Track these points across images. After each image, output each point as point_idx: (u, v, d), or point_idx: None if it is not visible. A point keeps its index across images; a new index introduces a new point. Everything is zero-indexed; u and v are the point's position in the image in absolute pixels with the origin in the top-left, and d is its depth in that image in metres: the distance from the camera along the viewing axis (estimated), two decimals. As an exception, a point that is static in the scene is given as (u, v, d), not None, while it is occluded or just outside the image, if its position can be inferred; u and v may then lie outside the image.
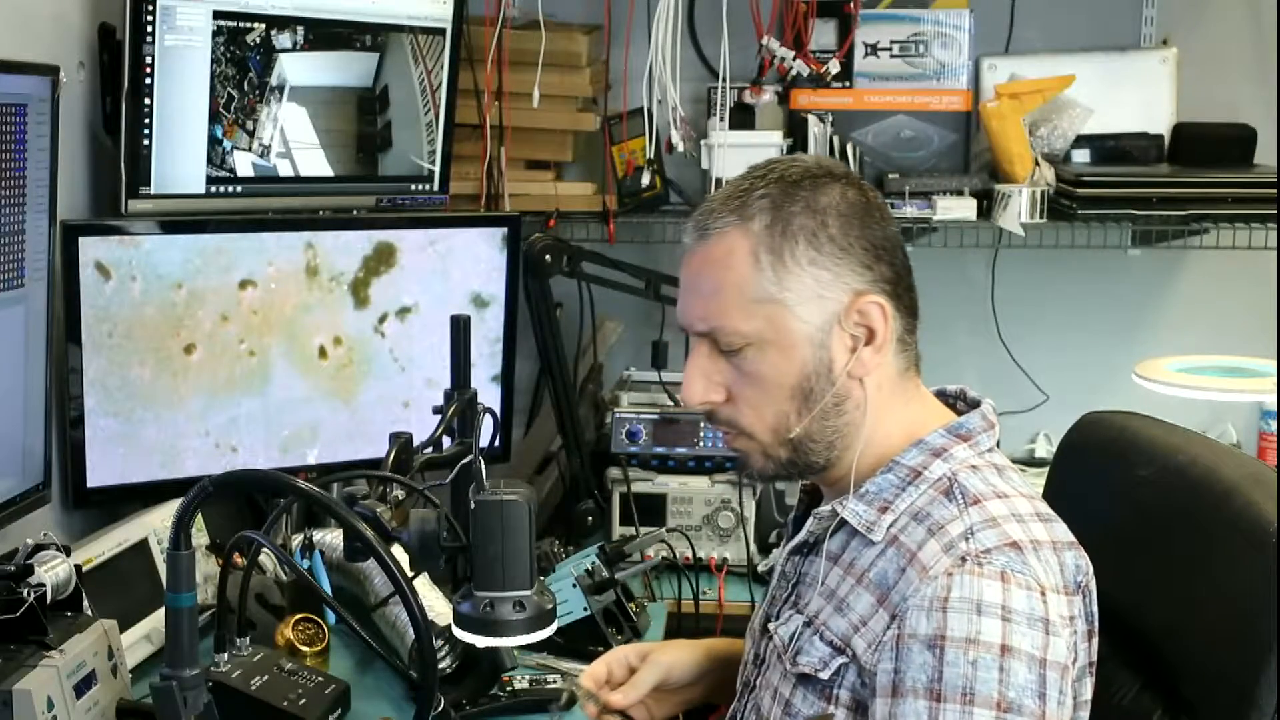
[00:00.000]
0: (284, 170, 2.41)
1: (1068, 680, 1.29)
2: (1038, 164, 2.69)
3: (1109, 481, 1.64)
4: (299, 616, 2.05)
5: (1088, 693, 1.38)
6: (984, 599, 1.26)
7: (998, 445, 1.45)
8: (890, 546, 1.35)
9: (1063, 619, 1.30)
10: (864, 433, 1.41)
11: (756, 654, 1.52)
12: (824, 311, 1.37)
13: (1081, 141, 2.81)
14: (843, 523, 1.41)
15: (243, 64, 2.30)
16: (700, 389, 1.43)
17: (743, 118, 2.75)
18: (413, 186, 2.59)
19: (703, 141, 2.76)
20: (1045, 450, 3.02)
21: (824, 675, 1.36)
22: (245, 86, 2.31)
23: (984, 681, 1.24)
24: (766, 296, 1.37)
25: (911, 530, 1.34)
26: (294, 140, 2.40)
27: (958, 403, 1.51)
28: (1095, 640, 1.38)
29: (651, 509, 2.57)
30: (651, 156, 2.76)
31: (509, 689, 2.00)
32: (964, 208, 2.68)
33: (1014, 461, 3.16)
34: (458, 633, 1.34)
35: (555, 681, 2.04)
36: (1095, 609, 1.38)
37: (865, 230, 1.39)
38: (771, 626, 1.47)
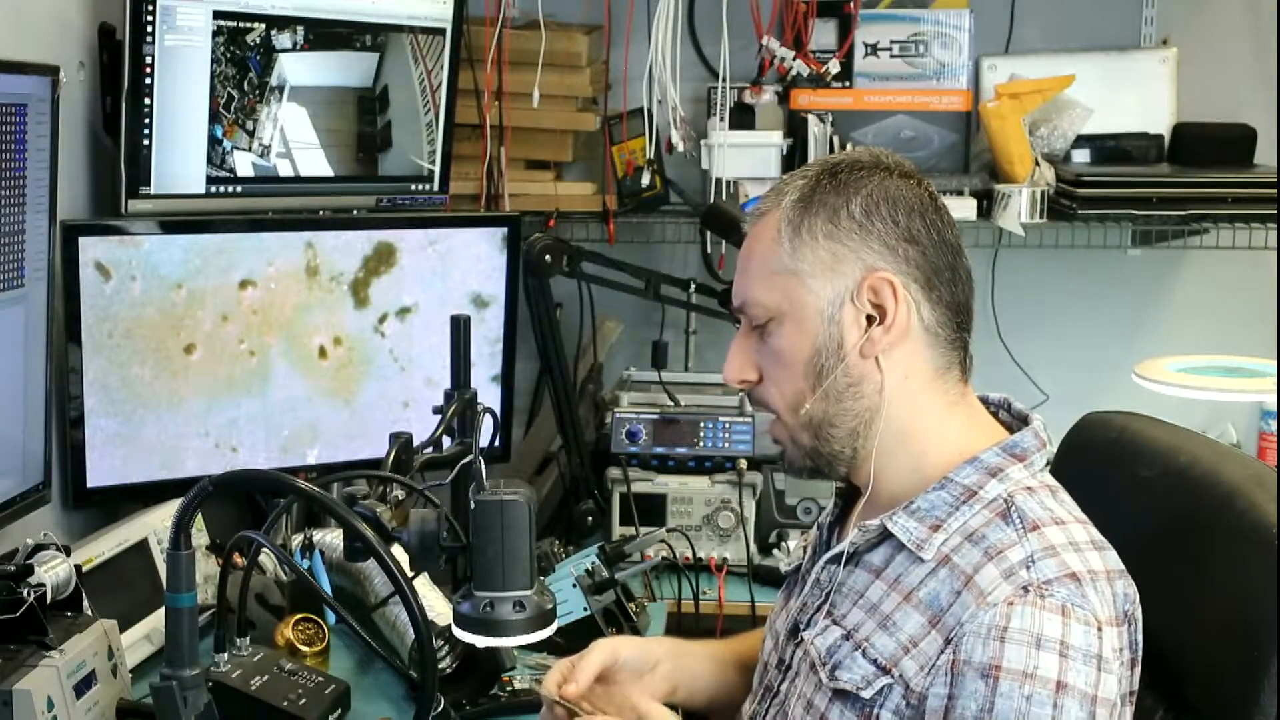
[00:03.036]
0: (284, 170, 2.41)
1: (1115, 716, 1.28)
2: (1038, 164, 2.69)
3: (1110, 482, 1.64)
4: (299, 616, 2.05)
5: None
6: (1044, 633, 1.25)
7: (1048, 465, 1.43)
8: (943, 567, 1.33)
9: (1115, 652, 1.29)
10: (889, 425, 1.39)
11: (782, 659, 1.50)
12: (836, 286, 1.37)
13: (1081, 141, 2.81)
14: (886, 535, 1.39)
15: (243, 64, 2.30)
16: (736, 367, 1.45)
17: (743, 118, 2.75)
18: (413, 186, 2.59)
19: (703, 141, 2.76)
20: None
21: (866, 694, 1.33)
22: (245, 86, 2.31)
23: (1037, 716, 1.23)
24: (783, 268, 1.39)
25: (966, 551, 1.32)
26: (294, 140, 2.40)
27: (1000, 413, 1.48)
28: (1138, 669, 1.37)
29: (651, 509, 2.57)
30: (651, 156, 2.76)
31: (509, 689, 2.00)
32: (964, 208, 2.68)
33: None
34: (458, 633, 1.34)
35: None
36: (1140, 638, 1.36)
37: (896, 215, 1.38)
38: (806, 635, 1.44)
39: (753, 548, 2.54)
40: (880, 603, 1.36)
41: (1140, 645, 1.36)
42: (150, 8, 2.14)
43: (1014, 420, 1.47)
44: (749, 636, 1.73)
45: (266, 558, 2.16)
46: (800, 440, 1.43)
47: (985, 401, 1.48)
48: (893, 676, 1.32)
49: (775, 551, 2.58)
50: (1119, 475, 1.62)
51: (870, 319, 1.37)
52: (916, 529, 1.36)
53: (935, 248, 1.39)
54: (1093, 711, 1.25)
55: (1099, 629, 1.27)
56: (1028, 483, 1.37)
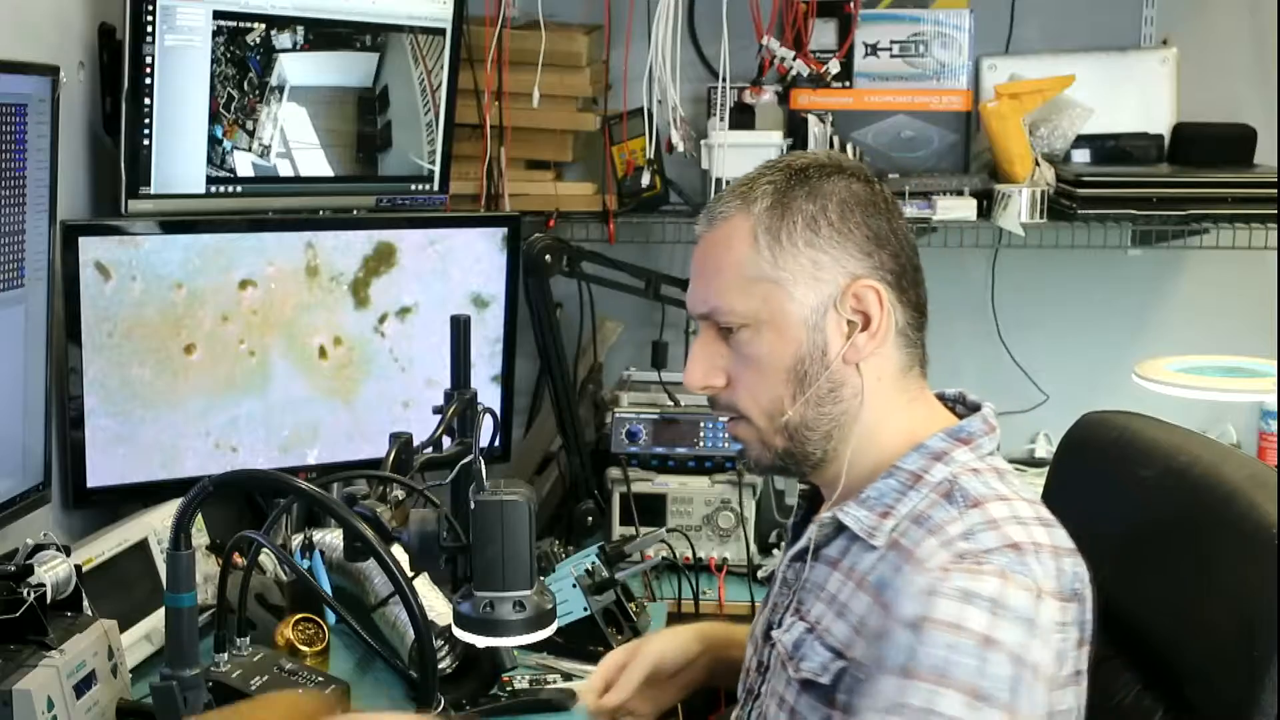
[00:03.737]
0: (284, 170, 2.41)
1: (1043, 686, 1.26)
2: (1038, 164, 2.69)
3: (1110, 482, 1.64)
4: (299, 616, 2.05)
5: (1070, 702, 1.35)
6: (977, 591, 1.24)
7: (997, 449, 1.45)
8: (891, 550, 1.35)
9: (1054, 624, 1.28)
10: (861, 426, 1.41)
11: (760, 661, 1.51)
12: (819, 294, 1.38)
13: (1081, 141, 2.81)
14: (842, 527, 1.41)
15: (243, 64, 2.30)
16: (701, 373, 1.45)
17: (743, 118, 2.74)
18: (413, 186, 2.59)
19: (703, 141, 2.76)
20: (1045, 450, 3.02)
21: (825, 680, 1.36)
22: (245, 86, 2.31)
23: (960, 667, 1.22)
24: (763, 276, 1.39)
25: (912, 533, 1.34)
26: (294, 140, 2.40)
27: (957, 406, 1.50)
28: (1087, 649, 1.36)
29: (651, 509, 2.57)
30: (651, 156, 2.76)
31: (509, 689, 2.00)
32: (964, 208, 2.68)
33: (1014, 461, 3.17)
34: (458, 633, 1.34)
35: (555, 681, 2.04)
36: (1089, 618, 1.36)
37: (868, 219, 1.40)
38: (775, 634, 1.46)
39: (753, 548, 2.55)
40: (838, 592, 1.38)
41: (1090, 625, 1.35)
42: (150, 8, 2.14)
43: (968, 412, 1.48)
44: None
45: (266, 558, 2.16)
46: (772, 443, 1.44)
47: (942, 397, 1.50)
48: (847, 659, 1.34)
49: (775, 551, 2.58)
50: (1119, 475, 1.62)
51: (852, 325, 1.39)
52: (867, 517, 1.38)
53: (900, 246, 1.42)
54: (1018, 674, 1.23)
55: (1038, 595, 1.26)
56: (973, 464, 1.39)
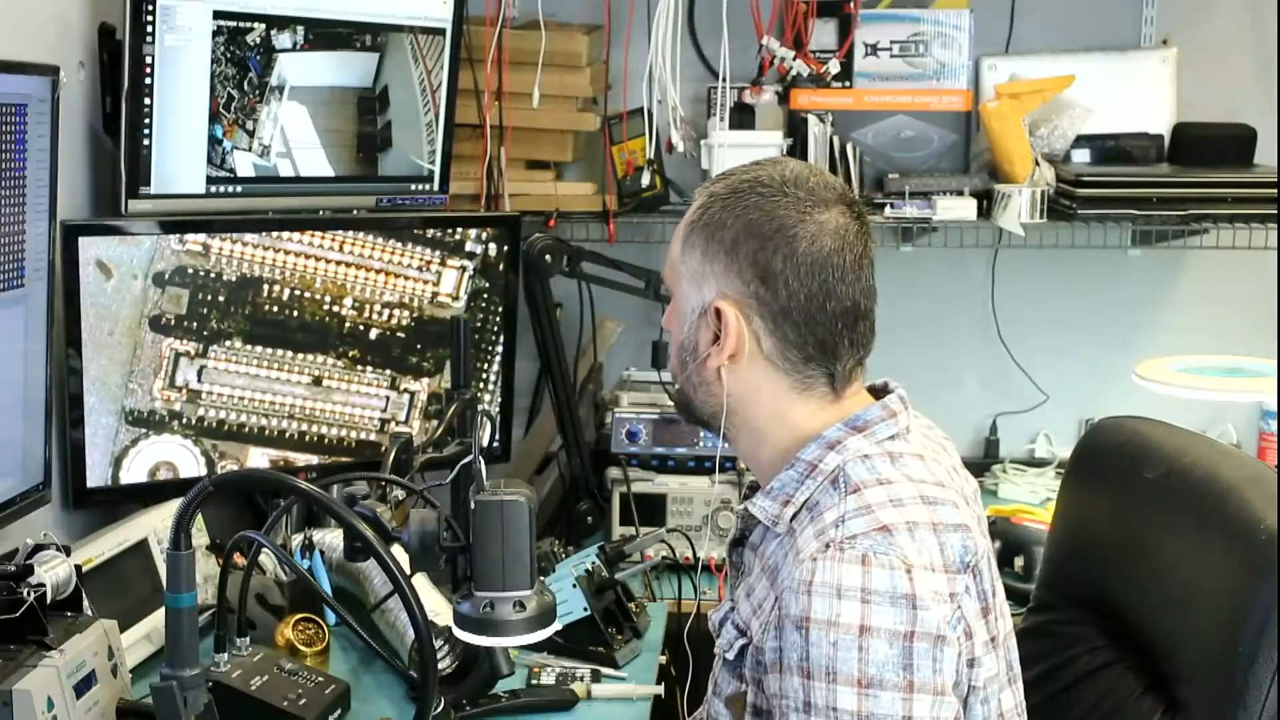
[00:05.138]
0: (284, 170, 2.41)
1: (945, 649, 1.32)
2: (1038, 164, 2.69)
3: (1119, 485, 1.65)
4: (299, 616, 2.05)
5: (992, 668, 1.40)
6: (843, 583, 1.32)
7: (906, 430, 1.48)
8: (788, 536, 1.44)
9: (936, 594, 1.33)
10: (746, 425, 1.51)
11: None
12: (698, 297, 1.49)
13: (1081, 141, 2.81)
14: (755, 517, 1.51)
15: (243, 64, 2.30)
16: (665, 317, 1.61)
17: (743, 118, 2.74)
18: (413, 186, 2.58)
19: (703, 141, 2.76)
20: (1045, 450, 3.02)
21: (730, 655, 1.47)
22: (245, 86, 2.31)
23: (844, 661, 1.30)
24: (674, 260, 1.53)
25: (802, 519, 1.43)
26: (294, 140, 2.40)
27: (883, 395, 1.54)
28: (993, 617, 1.42)
29: (651, 509, 2.57)
30: (651, 156, 2.76)
31: (509, 689, 2.00)
32: (964, 208, 2.68)
33: (1014, 461, 3.15)
34: (458, 633, 1.35)
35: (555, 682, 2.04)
36: (990, 586, 1.41)
37: (760, 252, 1.45)
38: (709, 614, 1.56)
39: (753, 548, 2.54)
40: (750, 576, 1.50)
41: (991, 594, 1.41)
42: (150, 8, 2.14)
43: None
44: None
45: (266, 558, 2.16)
46: (679, 399, 1.59)
47: (871, 389, 1.55)
48: (747, 637, 1.44)
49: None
50: (1127, 478, 1.63)
51: (719, 336, 1.48)
52: (771, 507, 1.47)
53: (800, 291, 1.45)
54: (907, 647, 1.30)
55: (908, 570, 1.32)
56: (866, 450, 1.45)
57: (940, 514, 1.39)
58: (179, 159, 2.25)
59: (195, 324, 2.28)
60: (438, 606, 2.01)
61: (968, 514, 1.42)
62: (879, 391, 1.54)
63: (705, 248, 1.48)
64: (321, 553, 2.25)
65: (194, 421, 2.31)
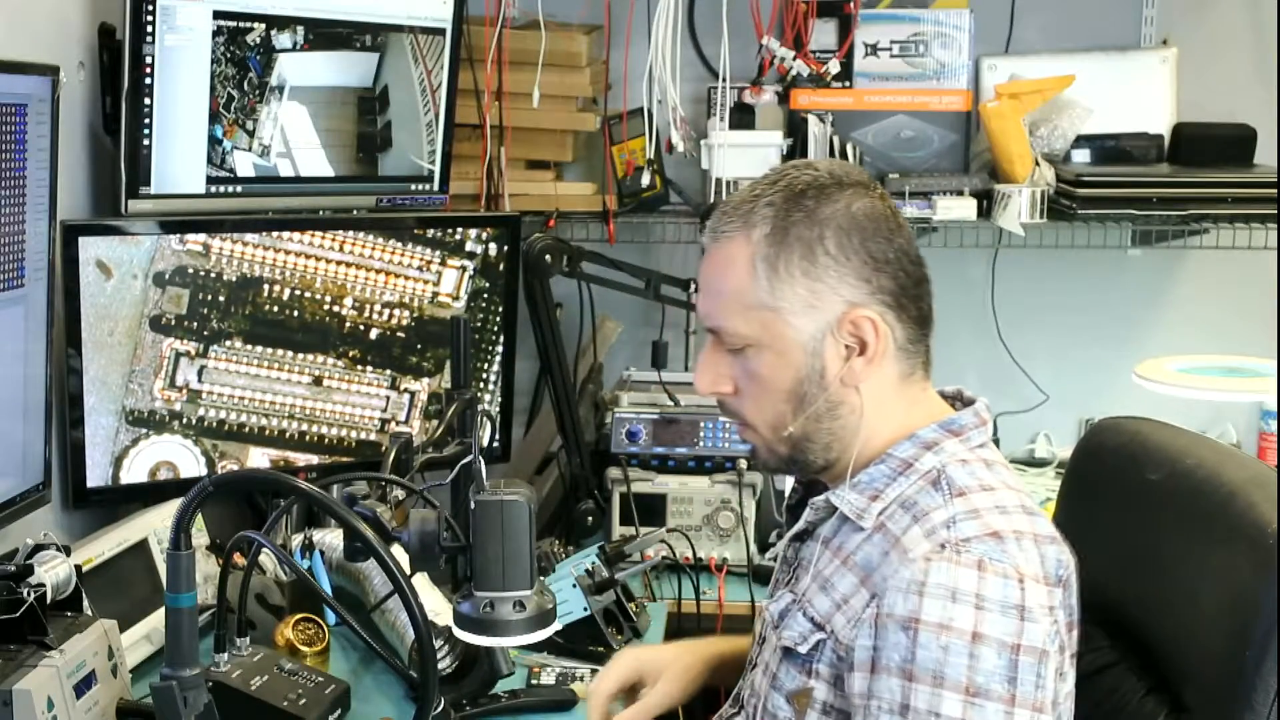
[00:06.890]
0: (284, 170, 2.41)
1: (1047, 665, 1.31)
2: (1038, 164, 2.69)
3: (1121, 487, 1.65)
4: (299, 616, 2.05)
5: (1070, 684, 1.41)
6: (959, 586, 1.30)
7: (997, 444, 1.48)
8: (877, 532, 1.40)
9: (1042, 606, 1.32)
10: (861, 435, 1.45)
11: (759, 632, 1.58)
12: (817, 321, 1.41)
13: (1081, 141, 2.81)
14: (835, 509, 1.45)
15: (243, 64, 2.30)
16: (709, 380, 1.49)
17: (743, 118, 2.74)
18: (413, 186, 2.58)
19: (703, 141, 2.76)
20: (1045, 450, 3.02)
21: (803, 649, 1.41)
22: (245, 86, 2.31)
23: (954, 666, 1.28)
24: (761, 304, 1.42)
25: (898, 517, 1.39)
26: (294, 140, 2.40)
27: (955, 403, 1.53)
28: (1076, 632, 1.42)
29: (651, 509, 2.57)
30: (651, 156, 2.76)
31: (509, 689, 2.00)
32: (964, 208, 2.68)
33: (1014, 461, 3.16)
34: (458, 633, 1.34)
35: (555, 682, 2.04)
36: (1075, 602, 1.41)
37: (866, 242, 1.41)
38: (766, 604, 1.53)
39: (753, 548, 2.54)
40: (825, 569, 1.44)
41: (1076, 610, 1.41)
42: (150, 8, 2.14)
43: (965, 408, 1.51)
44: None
45: (266, 558, 2.16)
46: (778, 450, 1.49)
47: (940, 395, 1.53)
48: (825, 632, 1.39)
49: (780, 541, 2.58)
50: (1129, 479, 1.63)
51: (850, 349, 1.42)
52: (857, 500, 1.43)
53: (902, 267, 1.43)
54: (1014, 660, 1.28)
55: (1020, 580, 1.31)
56: (962, 455, 1.43)
57: (1039, 525, 1.38)
58: (179, 159, 2.25)
59: (195, 324, 2.28)
60: (438, 606, 2.01)
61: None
62: (949, 398, 1.53)
63: (806, 268, 1.40)
64: (321, 553, 2.25)
65: (194, 421, 2.31)
